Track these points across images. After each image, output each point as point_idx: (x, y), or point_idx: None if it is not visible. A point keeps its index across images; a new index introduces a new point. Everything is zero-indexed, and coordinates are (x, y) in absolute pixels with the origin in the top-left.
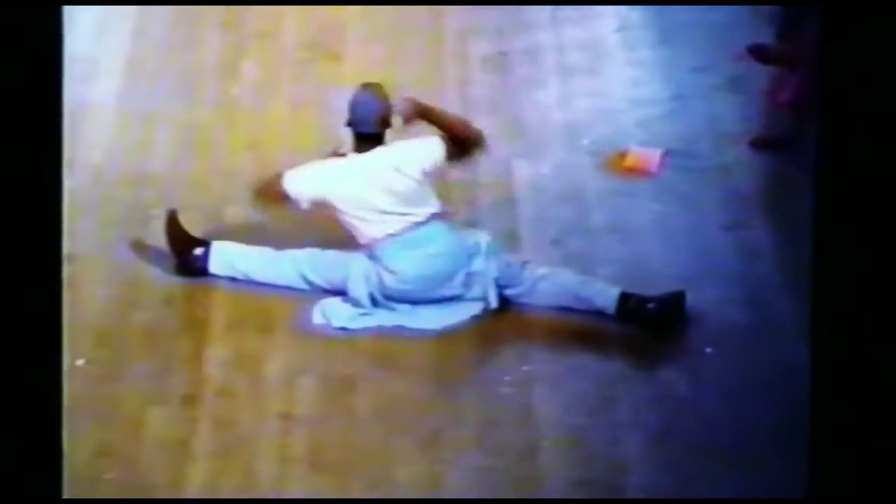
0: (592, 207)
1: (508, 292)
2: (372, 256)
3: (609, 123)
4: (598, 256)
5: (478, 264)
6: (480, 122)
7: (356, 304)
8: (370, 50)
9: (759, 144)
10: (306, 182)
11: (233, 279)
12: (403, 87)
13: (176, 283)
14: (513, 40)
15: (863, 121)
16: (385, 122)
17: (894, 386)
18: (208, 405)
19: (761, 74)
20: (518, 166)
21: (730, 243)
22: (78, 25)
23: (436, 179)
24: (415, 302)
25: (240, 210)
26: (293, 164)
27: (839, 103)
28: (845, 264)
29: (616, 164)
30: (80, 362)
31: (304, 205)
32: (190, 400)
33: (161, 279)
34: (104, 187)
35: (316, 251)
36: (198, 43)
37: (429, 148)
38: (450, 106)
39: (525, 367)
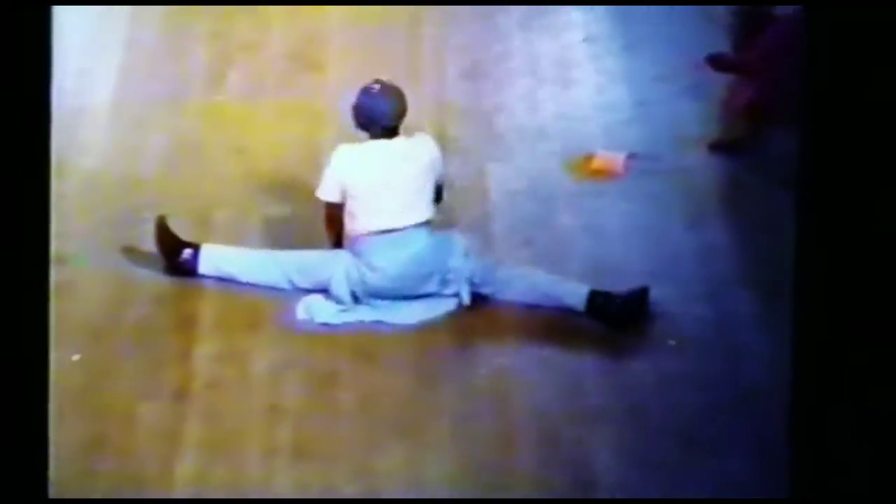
0: (561, 208)
1: (482, 290)
2: (356, 253)
3: (576, 128)
4: (567, 255)
5: (453, 262)
6: (455, 127)
7: (338, 301)
8: (352, 60)
9: (716, 147)
10: (329, 178)
11: (220, 280)
12: None
13: (166, 282)
14: (486, 49)
15: (844, 124)
16: (405, 113)
17: (872, 383)
18: (198, 399)
19: (719, 82)
20: (491, 170)
21: (691, 241)
22: (71, 36)
23: None
24: (394, 298)
25: (227, 213)
26: (278, 170)
27: (820, 107)
28: (825, 263)
29: (583, 167)
30: (75, 357)
31: (338, 199)
32: (180, 394)
33: (152, 279)
34: (97, 191)
35: (301, 253)
36: (186, 52)
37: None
38: (427, 111)
39: (499, 360)
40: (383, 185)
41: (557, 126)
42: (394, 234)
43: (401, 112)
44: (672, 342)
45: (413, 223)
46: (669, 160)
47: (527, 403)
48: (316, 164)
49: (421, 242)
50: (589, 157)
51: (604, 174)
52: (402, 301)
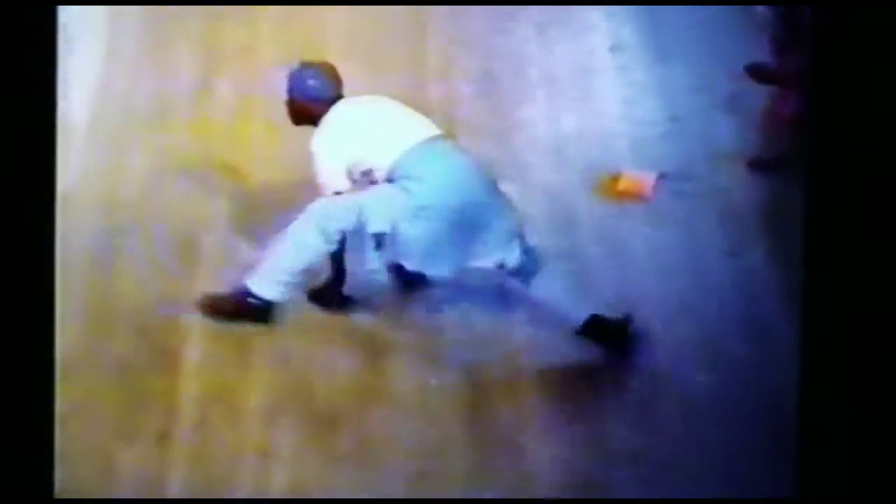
0: (585, 233)
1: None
2: (391, 179)
3: (601, 145)
4: (591, 284)
5: (505, 220)
6: (466, 143)
7: (378, 238)
8: (351, 67)
9: (757, 165)
10: (328, 165)
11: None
12: None
13: (148, 314)
14: (500, 57)
15: (855, 137)
16: (342, 83)
17: (882, 386)
18: (183, 441)
19: (760, 94)
20: (506, 190)
21: (729, 270)
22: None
23: None
24: (443, 228)
25: (215, 236)
26: (270, 186)
27: (830, 118)
28: (836, 267)
29: (609, 187)
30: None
31: (348, 184)
32: (163, 436)
33: (132, 310)
34: (74, 213)
35: (333, 200)
36: (171, 62)
37: None
38: (435, 123)
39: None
40: (381, 121)
41: (580, 143)
42: (424, 145)
43: (336, 79)
44: (701, 379)
45: (436, 133)
46: (704, 180)
47: (546, 453)
48: (310, 179)
49: (460, 156)
50: (615, 177)
51: (631, 196)
52: (441, 246)
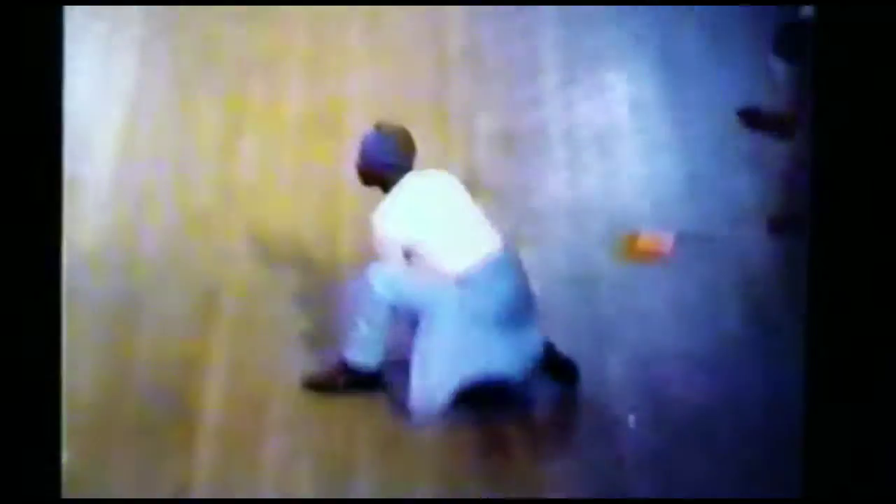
0: (604, 293)
1: None
2: (461, 283)
3: (620, 204)
4: (610, 344)
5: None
6: (485, 202)
7: (441, 335)
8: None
9: (777, 224)
10: (387, 247)
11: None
12: None
13: (168, 369)
14: (520, 116)
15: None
16: (415, 149)
17: (886, 387)
18: (201, 495)
19: (781, 152)
20: (525, 250)
21: (749, 332)
22: (72, 98)
23: None
24: (500, 328)
25: (238, 296)
26: (293, 247)
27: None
28: (840, 264)
29: (628, 246)
30: (64, 458)
31: (400, 261)
32: (182, 490)
33: (152, 366)
34: (96, 270)
35: (392, 267)
36: (196, 120)
37: None
38: None
39: (531, 460)
40: (448, 224)
41: (599, 201)
42: (487, 265)
43: (411, 148)
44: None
45: (499, 248)
46: (724, 240)
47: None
48: (336, 240)
49: (516, 276)
50: (634, 236)
51: (651, 255)
52: (501, 340)
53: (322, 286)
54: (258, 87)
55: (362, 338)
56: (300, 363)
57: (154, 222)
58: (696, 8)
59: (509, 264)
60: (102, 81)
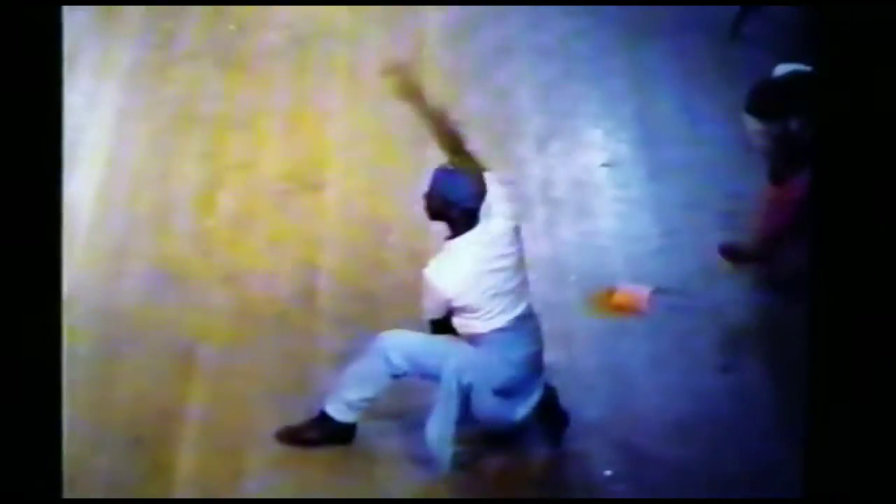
0: (580, 347)
1: None
2: (478, 345)
3: (597, 260)
4: (586, 399)
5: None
6: None
7: (448, 396)
8: (352, 181)
9: (729, 253)
10: (432, 301)
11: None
12: (386, 220)
13: (143, 424)
14: (497, 173)
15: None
16: (485, 192)
17: (887, 388)
18: None
19: (751, 213)
20: None
21: (724, 386)
22: None
23: None
24: (507, 392)
25: (213, 348)
26: (270, 300)
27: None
28: (843, 264)
29: (604, 302)
30: None
31: (440, 312)
32: None
33: (127, 420)
34: (72, 321)
35: (405, 332)
36: (173, 173)
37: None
38: (432, 241)
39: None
40: (494, 284)
41: (575, 257)
42: (519, 326)
43: (482, 191)
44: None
45: (521, 312)
46: (699, 296)
47: None
48: (313, 294)
49: (532, 330)
50: (611, 292)
51: (627, 310)
52: (508, 397)
53: (299, 340)
54: (237, 142)
55: (355, 400)
56: (276, 416)
57: (131, 274)
58: (671, 67)
59: (528, 331)
60: (81, 134)
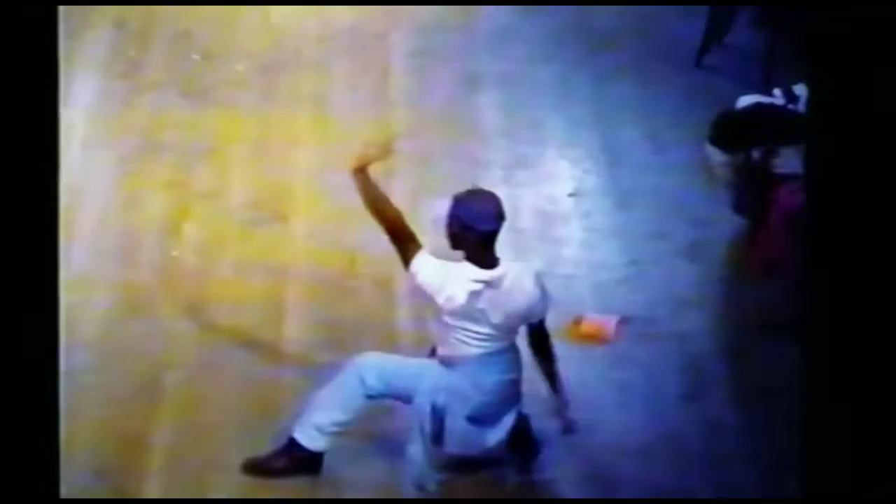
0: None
1: None
2: (453, 368)
3: (563, 289)
4: (553, 425)
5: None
6: None
7: (420, 416)
8: (318, 210)
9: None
10: (436, 272)
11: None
12: (353, 250)
13: (110, 452)
14: None
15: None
16: (504, 217)
17: (885, 388)
18: None
19: (720, 241)
20: None
21: (689, 414)
22: None
23: None
24: (479, 419)
25: (179, 377)
26: (237, 329)
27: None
28: (840, 257)
29: (571, 331)
30: None
31: (417, 280)
32: None
33: (94, 451)
34: None
35: (379, 354)
36: (139, 202)
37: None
38: (400, 269)
39: None
40: (480, 316)
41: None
42: (497, 355)
43: (499, 213)
44: None
45: (510, 342)
46: (665, 324)
47: None
48: (280, 323)
49: (509, 361)
50: (577, 321)
51: (594, 339)
52: (480, 424)
53: (266, 369)
54: (202, 171)
55: (326, 424)
56: (242, 445)
57: (96, 303)
58: (636, 96)
59: (506, 360)
60: None
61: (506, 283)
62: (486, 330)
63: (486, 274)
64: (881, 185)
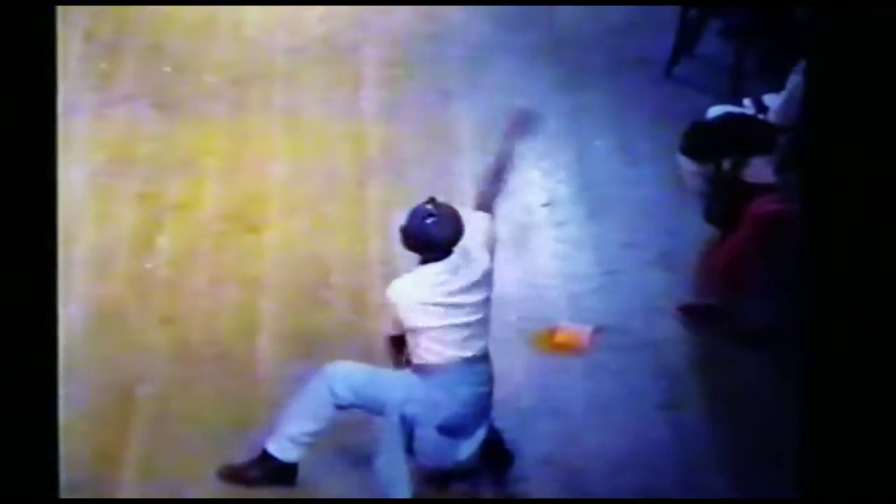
0: (522, 385)
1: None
2: (427, 378)
3: (538, 299)
4: (527, 437)
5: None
6: None
7: (391, 427)
8: (292, 221)
9: (687, 311)
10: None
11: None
12: (327, 261)
13: (83, 465)
14: None
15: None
16: (462, 234)
17: (882, 388)
18: None
19: (691, 250)
20: None
21: (664, 422)
22: None
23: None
24: (451, 430)
25: (152, 389)
26: (208, 340)
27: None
28: (839, 258)
29: (545, 340)
30: None
31: (398, 332)
32: None
33: (66, 464)
34: None
35: (349, 363)
36: (111, 214)
37: (478, 221)
38: (374, 280)
39: None
40: (446, 319)
41: (517, 296)
42: (471, 364)
43: (458, 236)
44: None
45: (483, 349)
46: (639, 334)
47: None
48: (253, 335)
49: (482, 372)
50: (552, 331)
51: (568, 349)
52: (453, 436)
53: (239, 381)
54: (175, 183)
55: (297, 434)
56: (216, 457)
57: (69, 316)
58: (608, 107)
59: (479, 371)
60: None
61: (461, 249)
62: (471, 299)
63: (446, 264)
64: (881, 184)
